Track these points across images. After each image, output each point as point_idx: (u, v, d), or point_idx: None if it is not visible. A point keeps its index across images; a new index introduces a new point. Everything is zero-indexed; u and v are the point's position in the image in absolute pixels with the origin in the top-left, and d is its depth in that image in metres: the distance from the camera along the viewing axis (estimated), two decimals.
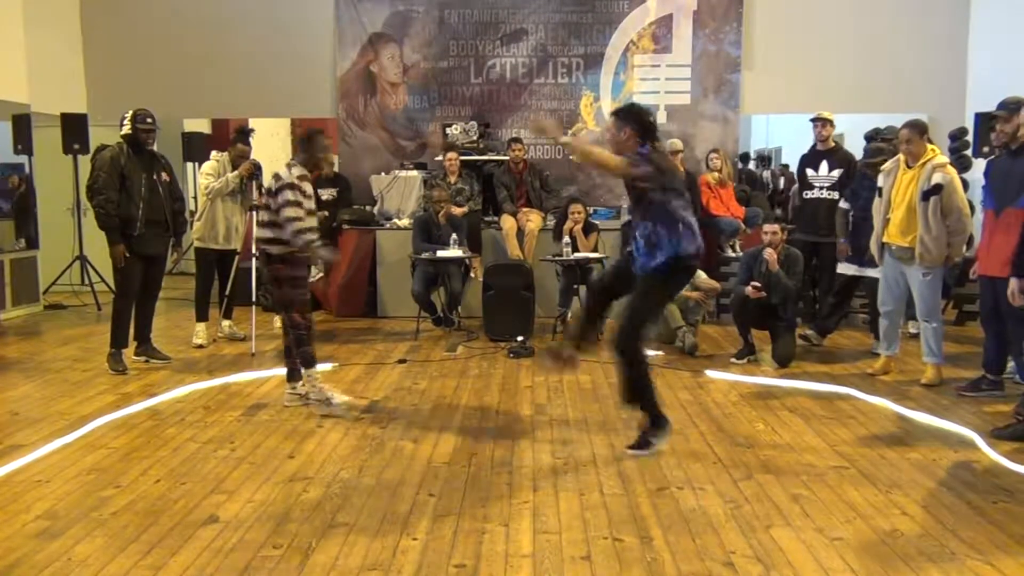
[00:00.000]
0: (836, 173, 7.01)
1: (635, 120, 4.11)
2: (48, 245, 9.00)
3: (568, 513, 3.48)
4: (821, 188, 7.07)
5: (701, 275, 7.13)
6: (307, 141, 5.12)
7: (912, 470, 4.00)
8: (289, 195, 4.87)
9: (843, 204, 6.77)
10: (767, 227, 6.37)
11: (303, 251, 4.96)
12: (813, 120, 7.26)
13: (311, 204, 5.04)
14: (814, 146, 7.29)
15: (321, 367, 6.06)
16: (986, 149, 7.69)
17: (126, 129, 5.93)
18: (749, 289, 6.19)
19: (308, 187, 5.03)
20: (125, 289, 6.01)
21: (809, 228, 7.12)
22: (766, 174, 12.25)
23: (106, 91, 9.54)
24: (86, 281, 8.92)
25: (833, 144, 7.21)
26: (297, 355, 5.04)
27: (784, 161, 13.19)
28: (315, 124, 11.14)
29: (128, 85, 9.42)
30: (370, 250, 8.35)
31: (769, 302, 6.21)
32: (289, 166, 5.03)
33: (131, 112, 5.96)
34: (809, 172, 7.23)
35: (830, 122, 7.22)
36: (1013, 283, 4.59)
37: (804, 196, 7.26)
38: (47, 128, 8.82)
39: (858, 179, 6.65)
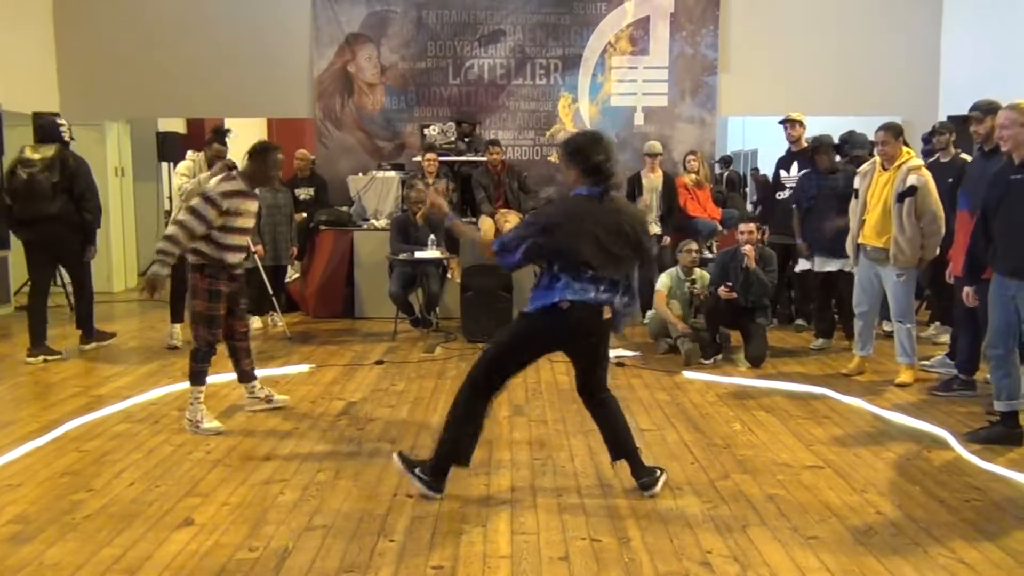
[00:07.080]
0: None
1: (582, 161, 3.61)
2: (19, 245, 8.84)
3: (546, 514, 3.48)
4: (792, 189, 7.12)
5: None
6: (258, 154, 4.61)
7: (886, 469, 4.04)
8: (197, 203, 4.42)
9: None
10: (742, 226, 6.51)
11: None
12: (782, 122, 7.32)
13: (244, 222, 4.58)
14: (789, 148, 7.36)
15: (297, 368, 6.06)
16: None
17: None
18: (722, 290, 6.27)
19: (244, 204, 4.55)
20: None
21: (782, 229, 7.15)
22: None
23: (79, 90, 9.42)
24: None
25: (804, 144, 7.26)
26: (189, 367, 4.63)
27: (759, 163, 13.27)
28: (294, 125, 11.18)
29: (101, 84, 9.33)
30: (347, 251, 8.31)
31: (742, 304, 6.28)
32: (228, 177, 4.58)
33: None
34: (781, 173, 7.29)
35: (799, 123, 7.29)
36: (966, 289, 4.71)
37: (776, 197, 7.31)
38: (18, 127, 8.68)
39: (805, 178, 6.80)
